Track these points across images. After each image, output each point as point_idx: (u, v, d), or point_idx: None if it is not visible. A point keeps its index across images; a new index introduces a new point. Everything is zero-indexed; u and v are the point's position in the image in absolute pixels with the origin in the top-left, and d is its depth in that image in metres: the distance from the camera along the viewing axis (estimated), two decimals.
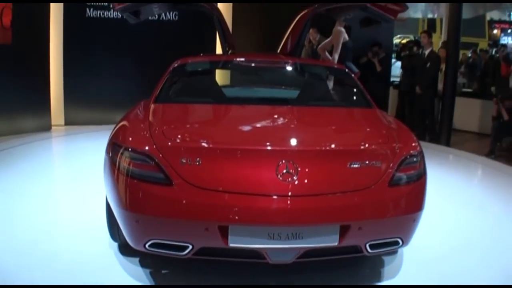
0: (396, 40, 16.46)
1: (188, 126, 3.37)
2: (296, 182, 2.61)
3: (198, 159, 2.65)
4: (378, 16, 5.44)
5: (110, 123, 4.89)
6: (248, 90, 4.95)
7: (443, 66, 8.35)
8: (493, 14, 21.56)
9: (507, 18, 23.80)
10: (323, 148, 2.88)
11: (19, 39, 7.01)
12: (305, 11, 5.50)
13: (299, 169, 2.65)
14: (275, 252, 2.64)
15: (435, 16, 17.69)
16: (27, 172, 5.25)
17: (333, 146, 2.92)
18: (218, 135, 3.05)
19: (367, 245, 2.71)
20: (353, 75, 4.31)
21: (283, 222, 2.57)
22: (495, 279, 3.13)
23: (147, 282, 2.94)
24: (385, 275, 3.13)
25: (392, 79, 10.30)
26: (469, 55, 14.61)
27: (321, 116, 3.63)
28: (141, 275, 3.00)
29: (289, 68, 4.60)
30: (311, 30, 7.51)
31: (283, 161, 2.65)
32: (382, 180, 2.75)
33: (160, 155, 2.69)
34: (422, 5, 14.77)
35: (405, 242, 2.85)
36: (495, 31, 23.60)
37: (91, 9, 8.06)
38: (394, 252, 3.33)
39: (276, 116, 3.47)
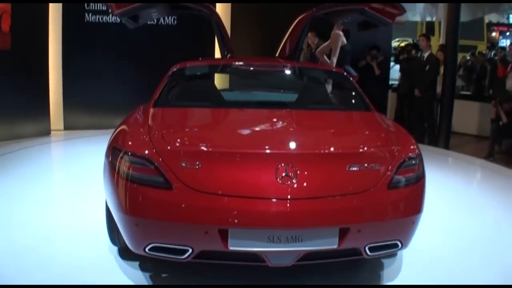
0: (394, 43, 16.49)
1: (187, 130, 3.37)
2: (296, 185, 2.62)
3: (197, 162, 2.66)
4: (376, 19, 5.45)
5: (109, 127, 4.89)
6: (247, 94, 4.96)
7: (441, 69, 8.37)
8: (491, 17, 21.58)
9: (505, 21, 23.83)
10: (322, 151, 2.88)
11: (18, 44, 7.02)
12: (303, 14, 5.52)
13: (298, 172, 2.65)
14: (275, 255, 2.64)
15: (434, 19, 17.70)
16: (26, 176, 5.26)
17: (332, 149, 2.93)
18: (217, 138, 3.06)
19: (367, 248, 2.71)
20: (351, 79, 4.32)
21: (282, 225, 2.57)
22: (494, 282, 3.13)
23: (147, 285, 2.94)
24: (385, 277, 3.14)
25: (390, 82, 10.32)
26: (468, 58, 14.63)
27: (320, 120, 3.63)
28: (141, 279, 3.01)
29: (287, 71, 4.61)
30: (309, 34, 7.52)
31: (282, 164, 2.66)
32: (381, 183, 2.76)
33: (160, 159, 2.69)
34: (420, 8, 14.77)
35: (404, 245, 2.86)
36: (493, 34, 23.64)
37: (90, 14, 8.08)
38: (394, 255, 3.34)
39: (275, 120, 3.48)
